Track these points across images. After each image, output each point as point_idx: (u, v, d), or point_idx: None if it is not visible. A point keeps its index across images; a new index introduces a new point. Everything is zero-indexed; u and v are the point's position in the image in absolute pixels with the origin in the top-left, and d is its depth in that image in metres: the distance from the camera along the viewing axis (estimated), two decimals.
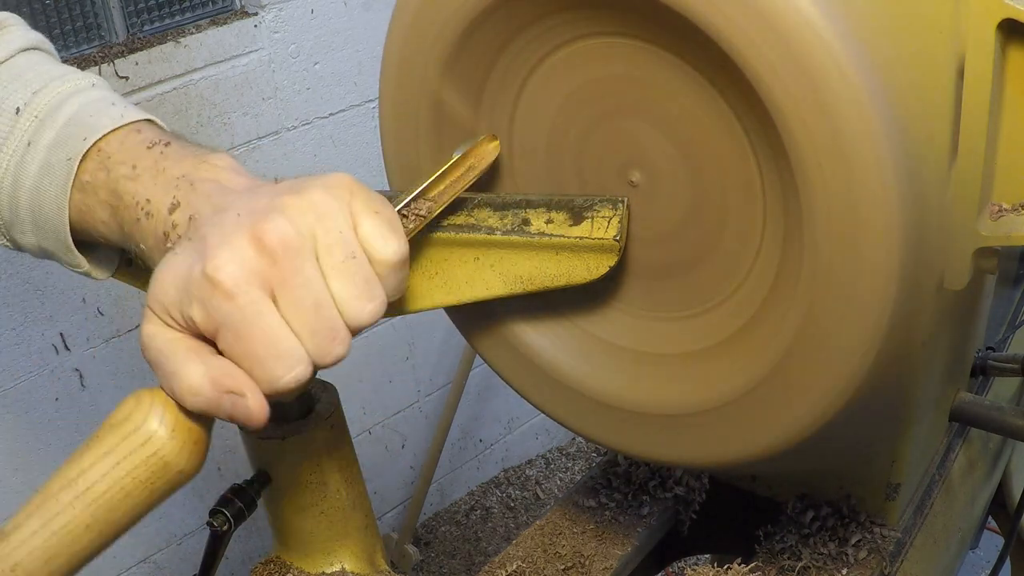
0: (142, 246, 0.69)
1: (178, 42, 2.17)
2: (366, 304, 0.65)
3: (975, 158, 0.75)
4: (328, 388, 0.99)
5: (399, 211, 0.74)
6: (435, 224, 0.79)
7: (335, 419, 0.97)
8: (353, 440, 1.00)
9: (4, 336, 2.11)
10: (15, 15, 0.81)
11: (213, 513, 0.93)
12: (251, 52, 2.30)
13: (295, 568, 1.02)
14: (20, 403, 2.17)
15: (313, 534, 0.99)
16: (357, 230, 0.65)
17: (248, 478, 0.96)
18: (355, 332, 0.65)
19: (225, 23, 2.25)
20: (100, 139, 0.71)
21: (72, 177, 0.71)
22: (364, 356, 2.72)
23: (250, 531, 2.53)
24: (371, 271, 0.65)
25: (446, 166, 0.79)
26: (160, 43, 2.15)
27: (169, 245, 0.66)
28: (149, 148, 0.71)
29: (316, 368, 0.64)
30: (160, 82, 2.16)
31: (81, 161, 0.71)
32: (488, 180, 0.89)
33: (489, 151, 0.84)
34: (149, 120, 0.74)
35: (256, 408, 0.63)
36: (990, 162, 0.76)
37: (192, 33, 2.20)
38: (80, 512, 0.62)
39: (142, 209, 0.68)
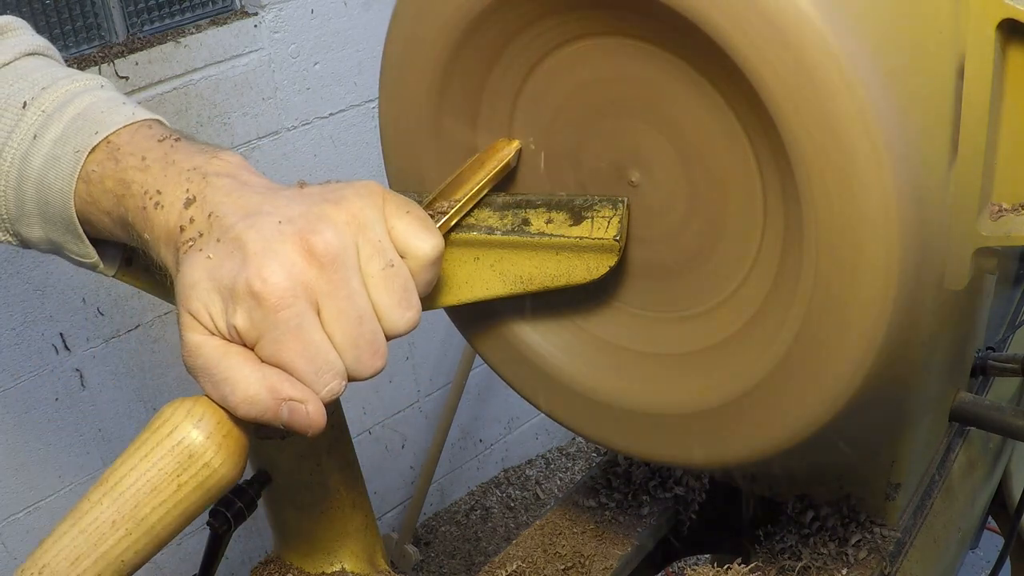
0: (145, 236, 0.68)
1: (178, 42, 2.17)
2: (405, 312, 0.65)
3: (975, 158, 0.75)
4: None
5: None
6: (457, 224, 0.80)
7: (335, 419, 0.97)
8: (353, 440, 1.00)
9: (4, 336, 2.11)
10: (20, 19, 0.81)
11: (213, 513, 0.93)
12: (251, 52, 2.30)
13: (295, 568, 1.02)
14: (20, 403, 2.17)
15: (313, 534, 0.99)
16: (392, 233, 0.66)
17: (248, 478, 0.96)
18: (394, 338, 0.66)
19: (225, 23, 2.25)
20: (111, 133, 0.71)
21: (79, 168, 0.70)
22: None
23: (250, 531, 2.53)
24: (408, 278, 0.66)
25: (465, 166, 0.80)
26: (160, 43, 2.15)
27: (187, 241, 0.65)
28: (160, 142, 0.70)
29: (352, 380, 0.65)
30: (160, 82, 2.16)
31: (89, 153, 0.70)
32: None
33: (509, 150, 0.85)
34: (158, 120, 0.74)
35: (316, 415, 0.63)
36: (990, 162, 0.76)
37: (192, 33, 2.20)
38: (106, 508, 0.61)
39: (151, 199, 0.67)
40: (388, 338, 0.65)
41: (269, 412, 0.63)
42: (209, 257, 0.63)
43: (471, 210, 0.80)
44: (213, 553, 0.96)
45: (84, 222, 0.72)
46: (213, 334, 0.63)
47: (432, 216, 0.75)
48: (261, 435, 0.94)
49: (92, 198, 0.70)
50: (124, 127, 0.71)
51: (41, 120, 0.73)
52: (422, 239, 0.67)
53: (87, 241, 0.74)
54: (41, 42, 0.81)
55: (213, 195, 0.66)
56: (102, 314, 2.23)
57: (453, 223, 0.77)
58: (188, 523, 0.64)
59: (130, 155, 0.70)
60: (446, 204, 0.78)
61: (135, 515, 0.61)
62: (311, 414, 0.63)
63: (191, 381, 0.65)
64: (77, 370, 2.23)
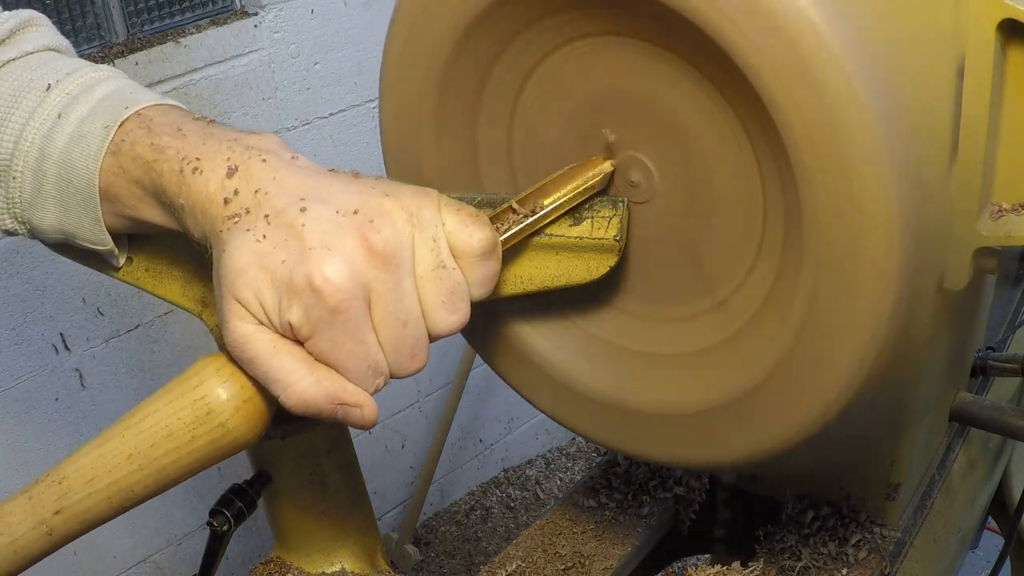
0: (180, 201, 0.65)
1: (178, 42, 2.17)
2: (450, 316, 0.64)
3: (975, 158, 0.75)
4: None
5: (496, 213, 0.75)
6: (533, 234, 0.78)
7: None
8: (353, 440, 1.00)
9: (4, 336, 2.11)
10: (45, 16, 0.81)
11: (213, 513, 0.93)
12: (251, 52, 2.30)
13: (295, 568, 1.01)
14: (20, 403, 2.17)
15: (313, 534, 0.99)
16: (444, 229, 0.65)
17: (248, 478, 0.96)
18: (434, 340, 0.65)
19: (225, 23, 2.25)
20: (143, 108, 0.69)
21: (107, 142, 0.68)
22: None
23: (250, 531, 2.53)
24: (460, 280, 0.65)
25: (552, 176, 0.79)
26: (160, 43, 2.15)
27: (231, 216, 0.62)
28: (195, 119, 0.69)
29: (394, 378, 0.64)
30: (160, 82, 2.16)
31: (119, 128, 0.68)
32: (490, 180, 0.89)
33: (600, 170, 0.82)
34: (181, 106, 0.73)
35: (371, 415, 0.64)
36: (990, 162, 0.76)
37: (192, 33, 2.20)
38: (126, 440, 0.64)
39: (188, 164, 0.64)
40: (432, 339, 0.64)
41: (323, 413, 0.62)
42: (259, 240, 0.61)
43: (546, 224, 0.78)
44: (213, 553, 0.96)
45: (107, 199, 0.70)
46: (263, 324, 0.61)
47: (501, 224, 0.75)
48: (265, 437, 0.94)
49: (121, 169, 0.68)
50: (155, 105, 0.70)
51: (66, 101, 0.71)
52: (471, 232, 0.65)
53: (103, 225, 0.71)
54: (64, 42, 0.80)
55: (259, 170, 0.63)
56: (102, 314, 2.23)
57: (523, 235, 0.75)
58: (197, 471, 0.66)
59: (164, 125, 0.68)
60: (521, 214, 0.76)
61: (150, 454, 0.64)
62: (365, 415, 0.63)
63: None
64: (77, 370, 2.23)
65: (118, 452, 0.64)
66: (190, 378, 0.64)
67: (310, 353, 0.62)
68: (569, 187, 0.79)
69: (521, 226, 0.76)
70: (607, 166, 0.82)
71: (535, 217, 0.76)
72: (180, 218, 0.66)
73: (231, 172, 0.63)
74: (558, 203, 0.78)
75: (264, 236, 0.60)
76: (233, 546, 1.07)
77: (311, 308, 0.59)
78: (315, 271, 0.59)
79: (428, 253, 0.63)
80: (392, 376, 0.64)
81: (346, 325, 0.60)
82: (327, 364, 0.62)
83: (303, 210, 0.61)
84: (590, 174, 0.81)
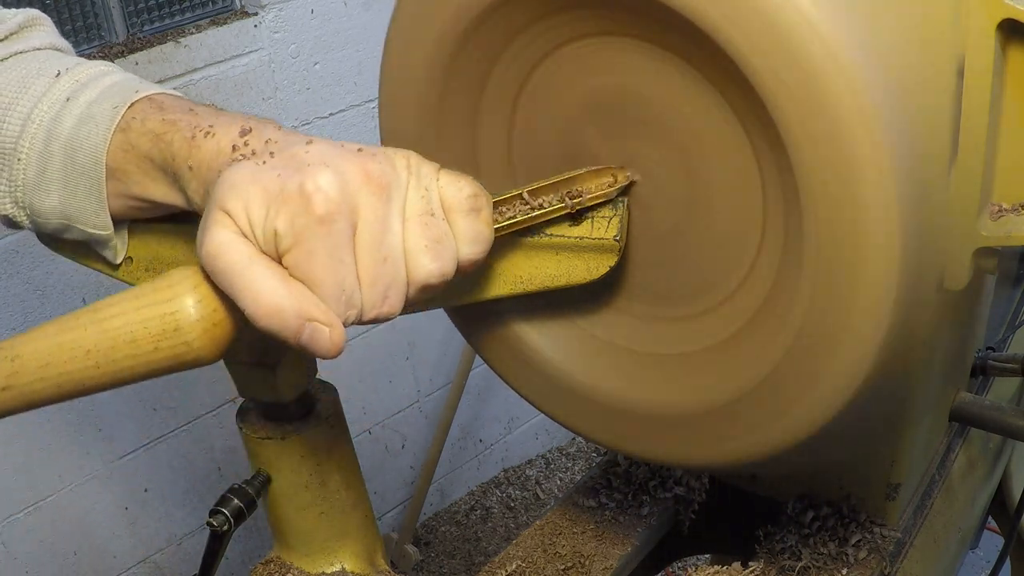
0: (188, 164, 0.66)
1: (178, 42, 2.17)
2: (431, 262, 0.64)
3: (975, 158, 0.75)
4: (328, 388, 0.99)
5: (504, 199, 0.75)
6: (534, 229, 0.78)
7: (335, 419, 0.97)
8: (353, 440, 1.00)
9: (4, 336, 2.11)
10: (48, 17, 0.82)
11: (213, 513, 0.93)
12: (251, 52, 2.30)
13: (295, 568, 1.01)
14: None
15: (313, 534, 0.99)
16: (437, 183, 0.66)
17: (248, 478, 0.96)
18: (414, 293, 0.64)
19: (225, 23, 2.25)
20: (152, 93, 0.71)
21: (117, 120, 0.69)
22: (364, 356, 2.72)
23: (250, 531, 2.53)
24: (446, 231, 0.65)
25: (565, 175, 0.78)
26: (160, 43, 2.15)
27: (236, 157, 0.63)
28: (205, 105, 0.70)
29: (360, 322, 0.63)
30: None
31: (128, 108, 0.69)
32: (490, 180, 0.89)
33: (619, 180, 0.81)
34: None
35: (338, 340, 0.62)
36: (990, 162, 0.76)
37: (192, 33, 2.20)
38: (87, 334, 0.62)
39: (201, 131, 0.66)
40: (411, 290, 0.64)
41: (289, 329, 0.61)
42: (259, 164, 0.61)
43: (549, 222, 0.77)
44: (213, 553, 0.96)
45: (113, 177, 0.71)
46: (244, 237, 0.61)
47: (507, 208, 0.75)
48: (261, 435, 0.94)
49: (130, 145, 0.69)
50: (163, 93, 0.71)
51: (75, 87, 0.72)
52: (460, 187, 0.66)
53: (107, 206, 0.72)
54: (64, 44, 0.82)
55: (268, 131, 0.65)
56: None
57: (524, 225, 0.76)
58: (150, 378, 0.65)
59: (175, 106, 0.69)
60: (529, 204, 0.76)
61: (109, 355, 0.63)
62: (333, 338, 0.61)
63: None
64: None
65: (77, 345, 0.62)
66: (164, 289, 0.63)
67: (287, 268, 0.61)
68: (582, 188, 0.79)
69: (526, 216, 0.76)
70: (624, 177, 0.82)
71: (541, 211, 0.76)
72: (185, 185, 0.67)
73: (244, 132, 0.65)
74: (568, 203, 0.77)
75: (264, 161, 0.62)
76: (233, 546, 1.07)
77: (297, 215, 0.59)
78: (308, 179, 0.60)
79: (419, 200, 0.64)
80: (361, 316, 0.63)
81: (328, 239, 0.60)
82: (302, 280, 0.61)
83: (309, 145, 0.63)
84: (607, 180, 0.80)
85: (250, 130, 0.65)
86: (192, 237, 0.66)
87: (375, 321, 0.64)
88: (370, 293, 0.62)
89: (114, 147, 0.70)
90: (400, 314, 0.65)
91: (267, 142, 0.64)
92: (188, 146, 0.66)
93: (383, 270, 0.62)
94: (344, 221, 0.60)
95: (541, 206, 0.77)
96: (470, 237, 0.67)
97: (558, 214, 0.77)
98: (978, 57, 0.72)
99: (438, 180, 0.66)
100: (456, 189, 0.66)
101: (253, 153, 0.64)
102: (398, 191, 0.63)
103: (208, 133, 0.66)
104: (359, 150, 0.63)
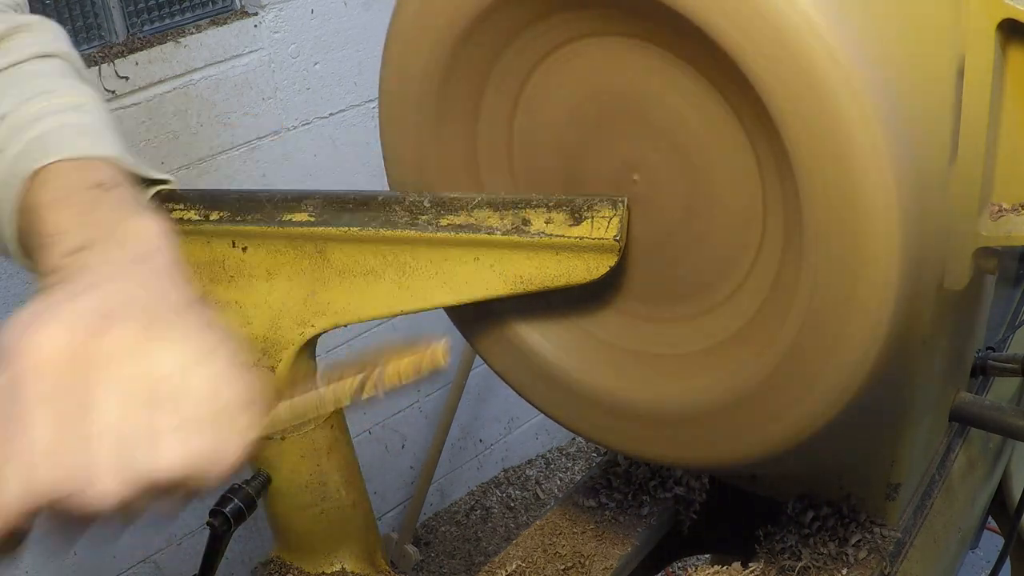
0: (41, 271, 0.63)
1: (178, 42, 2.17)
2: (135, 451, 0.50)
3: (975, 158, 0.75)
4: None
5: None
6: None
7: (335, 419, 0.97)
8: (353, 440, 1.00)
9: None
10: (48, 20, 0.80)
11: (213, 513, 0.94)
12: (251, 52, 2.29)
13: (295, 568, 1.02)
14: None
15: (313, 534, 0.99)
16: (195, 369, 0.53)
17: (248, 478, 0.96)
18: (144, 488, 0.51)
19: (225, 23, 2.25)
20: (48, 165, 0.69)
21: (18, 199, 0.69)
22: None
23: (250, 531, 2.52)
24: (164, 424, 0.51)
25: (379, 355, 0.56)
26: (160, 43, 2.15)
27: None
28: (88, 189, 0.67)
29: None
30: (160, 82, 2.16)
31: (31, 179, 0.69)
32: (490, 179, 0.89)
33: (428, 356, 0.56)
34: (114, 158, 0.71)
35: None
36: (990, 162, 0.76)
37: (192, 33, 2.19)
38: None
39: (49, 237, 0.63)
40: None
41: None
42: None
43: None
44: (213, 553, 0.96)
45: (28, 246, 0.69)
46: None
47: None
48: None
49: (27, 227, 0.68)
50: (59, 162, 0.69)
51: (8, 135, 0.72)
52: (229, 385, 0.52)
53: (32, 261, 0.69)
54: (58, 46, 0.79)
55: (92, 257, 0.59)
56: None
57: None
58: None
59: (54, 190, 0.67)
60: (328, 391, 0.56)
61: None
62: None
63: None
64: None
65: None
66: None
67: None
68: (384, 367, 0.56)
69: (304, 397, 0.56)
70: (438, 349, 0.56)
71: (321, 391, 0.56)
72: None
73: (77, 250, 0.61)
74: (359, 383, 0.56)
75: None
76: (233, 546, 1.07)
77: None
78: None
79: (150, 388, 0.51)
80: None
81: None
82: None
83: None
84: (415, 360, 0.56)
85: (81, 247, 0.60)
86: None
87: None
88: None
89: (19, 223, 0.69)
90: None
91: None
92: (39, 255, 0.63)
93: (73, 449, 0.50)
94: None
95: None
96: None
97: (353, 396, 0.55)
98: (978, 57, 0.72)
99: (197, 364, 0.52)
100: (224, 388, 0.52)
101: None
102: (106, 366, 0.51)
103: (46, 245, 0.62)
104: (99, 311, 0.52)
